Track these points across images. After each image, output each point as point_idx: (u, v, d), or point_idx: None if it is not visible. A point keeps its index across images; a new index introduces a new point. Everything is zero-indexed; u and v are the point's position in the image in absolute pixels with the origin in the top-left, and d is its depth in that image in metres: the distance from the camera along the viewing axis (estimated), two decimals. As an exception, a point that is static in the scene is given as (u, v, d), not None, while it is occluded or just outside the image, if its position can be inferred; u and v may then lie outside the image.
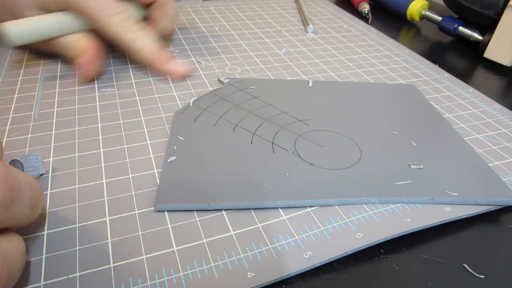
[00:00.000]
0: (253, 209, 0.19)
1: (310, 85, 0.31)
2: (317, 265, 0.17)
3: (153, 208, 0.19)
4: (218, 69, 0.33)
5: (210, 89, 0.30)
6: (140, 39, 0.28)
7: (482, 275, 0.18)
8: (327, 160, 0.23)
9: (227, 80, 0.30)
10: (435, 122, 0.27)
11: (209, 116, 0.26)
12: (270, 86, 0.30)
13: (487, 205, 0.21)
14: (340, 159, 0.23)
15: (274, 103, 0.28)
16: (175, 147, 0.23)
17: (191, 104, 0.27)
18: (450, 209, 0.20)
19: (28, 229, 0.18)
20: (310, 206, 0.20)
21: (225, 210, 0.19)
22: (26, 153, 0.22)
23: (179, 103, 0.28)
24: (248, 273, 0.16)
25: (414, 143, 0.25)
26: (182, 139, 0.24)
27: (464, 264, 0.18)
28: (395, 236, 0.19)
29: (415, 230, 0.19)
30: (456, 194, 0.21)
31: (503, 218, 0.21)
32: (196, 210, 0.19)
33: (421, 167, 0.23)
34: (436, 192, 0.21)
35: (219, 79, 0.31)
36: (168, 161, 0.22)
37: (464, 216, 0.20)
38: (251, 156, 0.22)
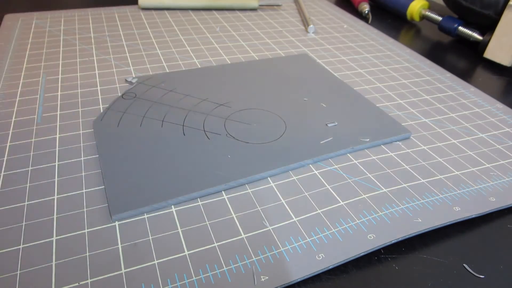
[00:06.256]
0: (199, 197, 0.20)
1: (214, 65, 0.33)
2: (330, 267, 0.17)
3: (162, 212, 0.19)
4: (221, 70, 0.33)
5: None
6: None
7: (482, 275, 0.18)
8: (258, 136, 0.24)
9: (136, 80, 0.30)
10: (333, 83, 0.31)
11: (131, 118, 0.25)
12: (180, 77, 0.31)
13: (389, 143, 0.25)
14: (269, 131, 0.25)
15: (191, 93, 0.29)
16: (107, 157, 0.22)
17: (104, 110, 0.26)
18: (459, 208, 0.20)
19: (37, 235, 0.17)
20: (271, 179, 0.21)
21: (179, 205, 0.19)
22: (31, 157, 0.22)
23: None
24: (262, 277, 0.16)
25: (324, 105, 0.28)
26: (111, 147, 0.22)
27: (464, 264, 0.18)
28: (407, 236, 0.19)
29: (426, 230, 0.19)
30: (368, 139, 0.24)
31: (503, 219, 0.21)
32: (152, 211, 0.19)
33: (336, 124, 0.26)
34: (353, 142, 0.24)
35: (126, 80, 0.30)
36: (106, 172, 0.21)
37: (473, 216, 0.20)
38: (189, 147, 0.23)
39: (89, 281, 0.16)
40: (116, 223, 0.18)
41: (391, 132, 0.25)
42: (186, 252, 0.17)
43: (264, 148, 0.23)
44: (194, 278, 0.16)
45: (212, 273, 0.16)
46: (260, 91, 0.29)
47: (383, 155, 0.24)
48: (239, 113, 0.26)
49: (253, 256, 0.17)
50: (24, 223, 0.18)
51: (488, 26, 0.39)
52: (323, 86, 0.30)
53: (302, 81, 0.31)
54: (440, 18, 0.44)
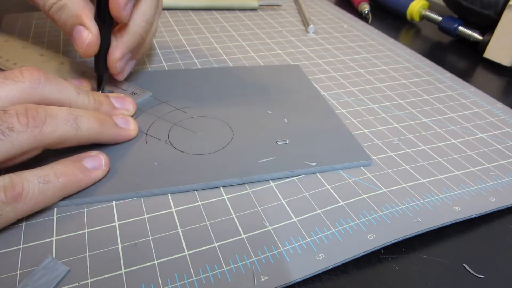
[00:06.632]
0: (115, 201, 0.19)
1: (199, 67, 0.32)
2: (330, 267, 0.17)
3: (162, 212, 0.19)
4: (221, 70, 0.33)
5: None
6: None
7: (482, 275, 0.18)
8: (198, 146, 0.23)
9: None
10: (311, 99, 0.28)
11: None
12: (153, 77, 0.30)
13: (343, 169, 0.22)
14: (212, 143, 0.23)
15: (155, 93, 0.28)
16: None
17: None
18: (459, 208, 0.20)
19: (37, 236, 0.17)
20: (173, 193, 0.20)
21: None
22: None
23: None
24: (262, 277, 0.16)
25: (286, 120, 0.26)
26: None
27: (464, 264, 0.18)
28: (407, 236, 0.19)
29: (426, 230, 0.19)
30: (315, 163, 0.22)
31: (503, 219, 0.21)
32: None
33: (287, 142, 0.23)
34: (296, 164, 0.22)
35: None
36: None
37: (473, 216, 0.20)
38: (123, 148, 0.22)
39: (89, 281, 0.16)
40: (116, 223, 0.18)
41: (348, 157, 0.23)
42: (186, 252, 0.17)
43: (195, 160, 0.22)
44: (194, 278, 0.16)
45: (212, 273, 0.16)
46: (227, 100, 0.27)
47: (383, 155, 0.24)
48: (191, 119, 0.25)
49: (253, 256, 0.17)
50: (24, 223, 0.18)
51: (488, 26, 0.39)
52: (297, 101, 0.28)
53: (276, 94, 0.29)
54: (440, 18, 0.44)
